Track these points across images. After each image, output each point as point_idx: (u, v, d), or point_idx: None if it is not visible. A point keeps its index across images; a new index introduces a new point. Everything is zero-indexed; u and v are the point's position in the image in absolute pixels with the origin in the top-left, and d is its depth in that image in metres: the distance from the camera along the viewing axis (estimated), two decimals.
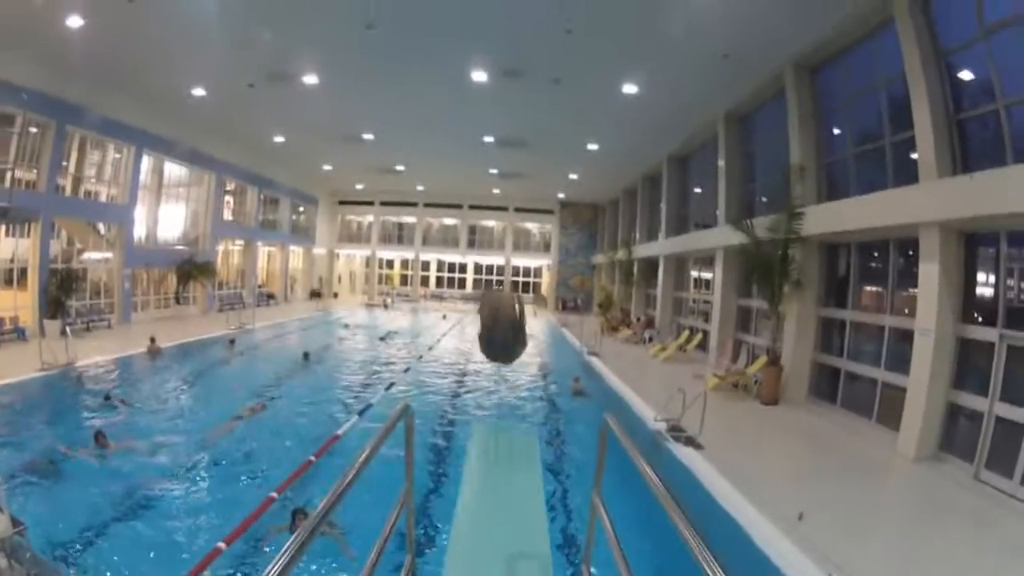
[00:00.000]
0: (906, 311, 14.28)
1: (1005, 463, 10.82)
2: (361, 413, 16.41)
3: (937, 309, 12.22)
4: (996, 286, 11.98)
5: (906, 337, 13.52)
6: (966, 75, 12.42)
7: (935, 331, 12.22)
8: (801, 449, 14.06)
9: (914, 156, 13.06)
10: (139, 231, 30.51)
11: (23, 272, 23.52)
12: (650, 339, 31.22)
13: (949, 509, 10.13)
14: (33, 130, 22.67)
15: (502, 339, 9.21)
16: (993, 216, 10.89)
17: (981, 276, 12.51)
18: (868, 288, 16.60)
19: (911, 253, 13.83)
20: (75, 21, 16.92)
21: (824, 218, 16.39)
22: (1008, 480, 10.62)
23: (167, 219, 33.55)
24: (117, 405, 15.33)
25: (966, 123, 12.28)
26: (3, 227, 22.35)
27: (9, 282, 23.08)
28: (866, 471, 12.20)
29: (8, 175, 19.11)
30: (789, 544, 8.30)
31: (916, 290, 13.20)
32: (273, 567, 1.60)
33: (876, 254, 16.14)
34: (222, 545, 8.59)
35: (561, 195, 52.30)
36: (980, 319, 12.23)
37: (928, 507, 10.39)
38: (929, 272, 12.48)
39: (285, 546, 1.72)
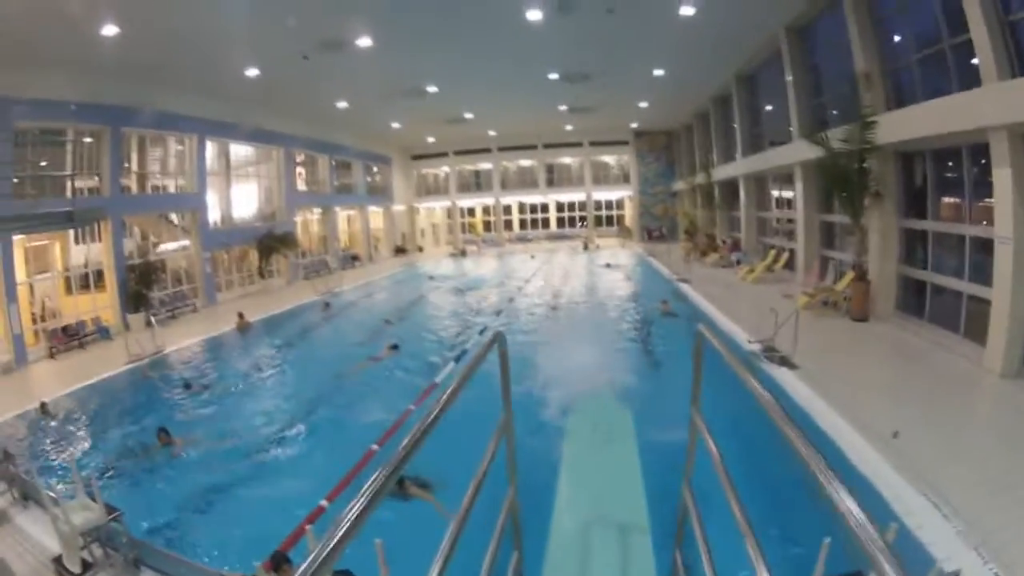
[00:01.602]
0: (984, 221, 13.68)
1: None
2: (457, 359, 16.66)
3: (1013, 215, 11.69)
4: None
5: (988, 247, 13.00)
6: None
7: (1013, 238, 11.72)
8: (892, 366, 13.87)
9: (974, 61, 12.41)
10: (213, 215, 31.24)
11: (99, 274, 24.39)
12: (738, 262, 30.85)
13: None
14: (88, 140, 23.27)
15: None
16: None
17: None
18: (947, 199, 15.95)
19: (984, 161, 13.16)
20: (111, 29, 17.24)
21: (896, 126, 15.74)
22: None
23: (241, 198, 34.31)
24: (199, 391, 15.86)
25: (1018, 25, 11.60)
26: (72, 234, 23.04)
27: (86, 286, 23.97)
28: (954, 388, 11.94)
29: (68, 183, 19.42)
30: (884, 463, 8.22)
31: (993, 199, 12.64)
32: (348, 515, 1.51)
33: (951, 163, 15.49)
34: (324, 503, 8.80)
35: (634, 124, 51.31)
36: None
37: (1017, 428, 10.04)
38: (1003, 178, 11.91)
39: (364, 488, 1.61)
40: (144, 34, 18.19)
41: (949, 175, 15.76)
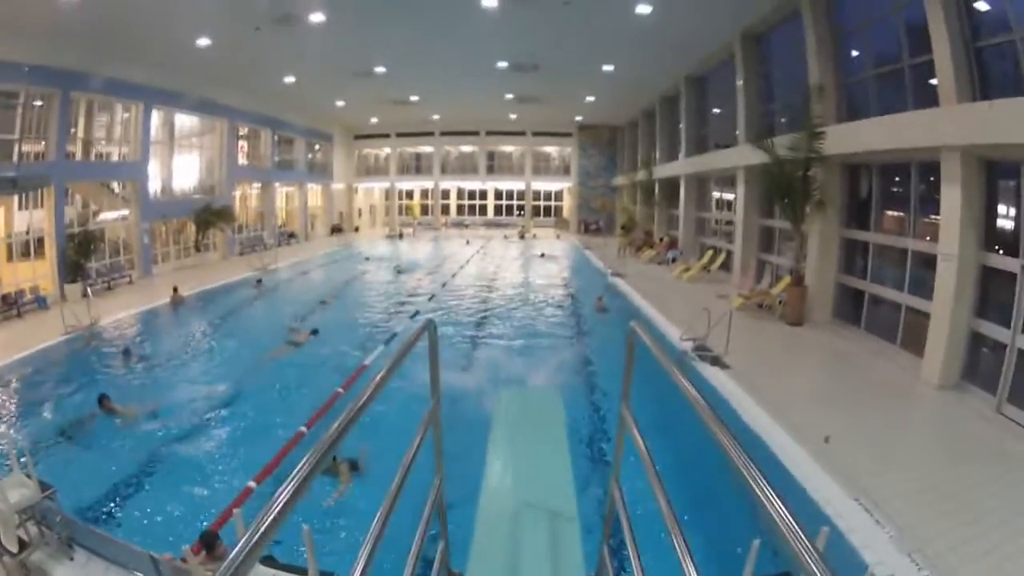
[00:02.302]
0: (928, 237, 14.14)
1: None
2: (387, 342, 16.60)
3: (959, 234, 12.12)
4: (1018, 217, 11.79)
5: (929, 263, 13.45)
6: (983, 5, 12.03)
7: (957, 256, 12.12)
8: (826, 371, 14.18)
9: (933, 81, 12.77)
10: (154, 185, 30.48)
11: (40, 242, 23.56)
12: (673, 260, 31.23)
13: (972, 441, 10.19)
14: (38, 103, 22.47)
15: None
16: (1012, 145, 10.69)
17: (1002, 209, 12.33)
18: (891, 212, 16.42)
19: (933, 179, 13.60)
20: None
21: (845, 138, 16.12)
22: None
23: (182, 170, 33.52)
24: (134, 361, 15.66)
25: (985, 52, 11.94)
26: (16, 199, 22.27)
27: (26, 254, 23.09)
28: (891, 397, 12.29)
29: (15, 148, 18.89)
30: (816, 466, 8.40)
31: (938, 216, 13.06)
32: (285, 489, 1.52)
33: (898, 178, 15.94)
34: (252, 484, 8.73)
35: (579, 118, 51.47)
36: (1001, 251, 12.08)
37: (952, 438, 10.47)
38: (951, 197, 12.34)
39: (294, 471, 1.63)
40: None
41: (895, 189, 16.21)
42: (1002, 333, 11.51)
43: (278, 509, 1.44)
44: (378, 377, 2.35)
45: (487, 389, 12.11)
